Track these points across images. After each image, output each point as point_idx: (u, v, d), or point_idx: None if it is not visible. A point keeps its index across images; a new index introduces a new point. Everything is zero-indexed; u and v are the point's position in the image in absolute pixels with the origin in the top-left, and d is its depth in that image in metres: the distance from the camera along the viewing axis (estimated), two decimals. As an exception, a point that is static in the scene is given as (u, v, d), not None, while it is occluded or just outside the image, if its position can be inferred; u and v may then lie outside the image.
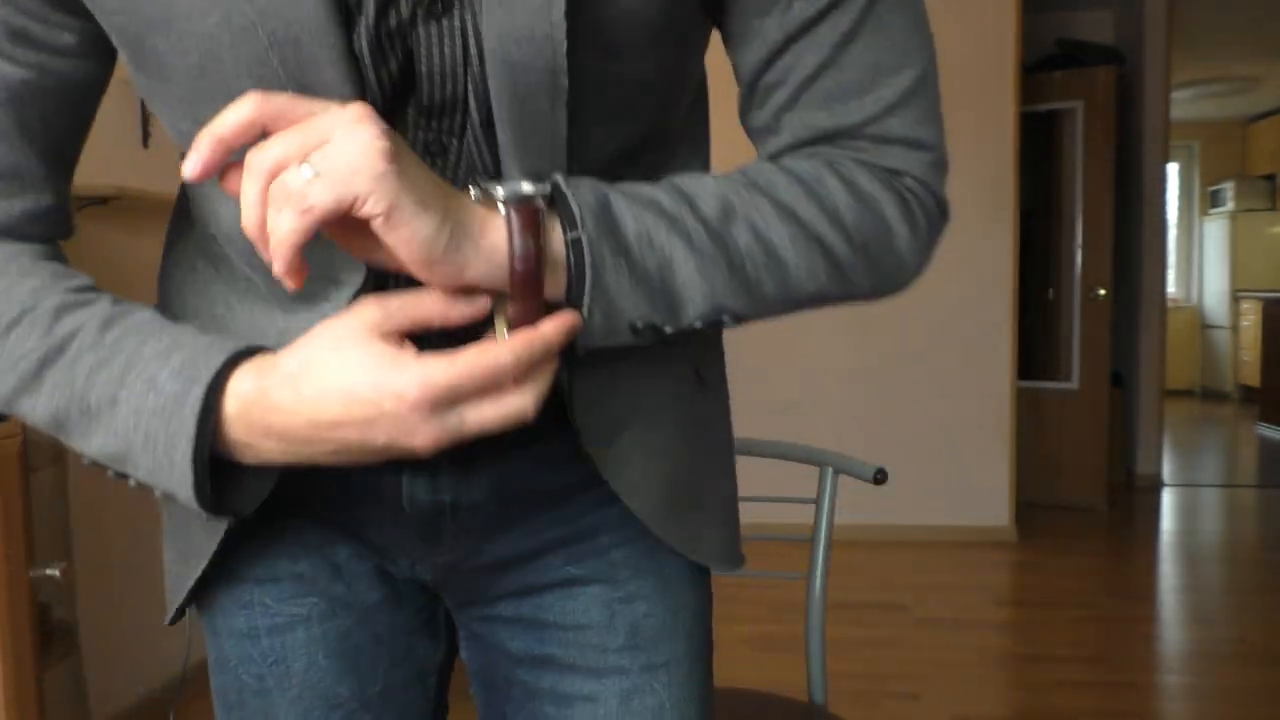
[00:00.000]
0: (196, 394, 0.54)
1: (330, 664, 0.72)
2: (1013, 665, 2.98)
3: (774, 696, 1.51)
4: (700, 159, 0.72)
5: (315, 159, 0.47)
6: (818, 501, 1.51)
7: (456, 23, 0.54)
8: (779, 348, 4.31)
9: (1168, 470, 5.74)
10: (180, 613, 0.73)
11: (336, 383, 0.52)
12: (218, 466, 0.56)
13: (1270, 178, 8.58)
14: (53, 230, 0.65)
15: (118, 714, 2.37)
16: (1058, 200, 4.84)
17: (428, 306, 0.53)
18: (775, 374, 4.31)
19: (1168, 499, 5.17)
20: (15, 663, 1.28)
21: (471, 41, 0.55)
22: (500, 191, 0.52)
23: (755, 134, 0.65)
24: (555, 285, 0.54)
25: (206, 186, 0.63)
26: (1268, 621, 3.31)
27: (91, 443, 0.57)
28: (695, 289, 0.57)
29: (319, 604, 0.72)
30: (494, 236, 0.52)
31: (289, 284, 0.49)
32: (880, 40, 0.60)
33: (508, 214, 0.52)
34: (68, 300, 0.59)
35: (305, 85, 0.53)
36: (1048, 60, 4.95)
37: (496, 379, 0.52)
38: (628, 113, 0.61)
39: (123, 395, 0.55)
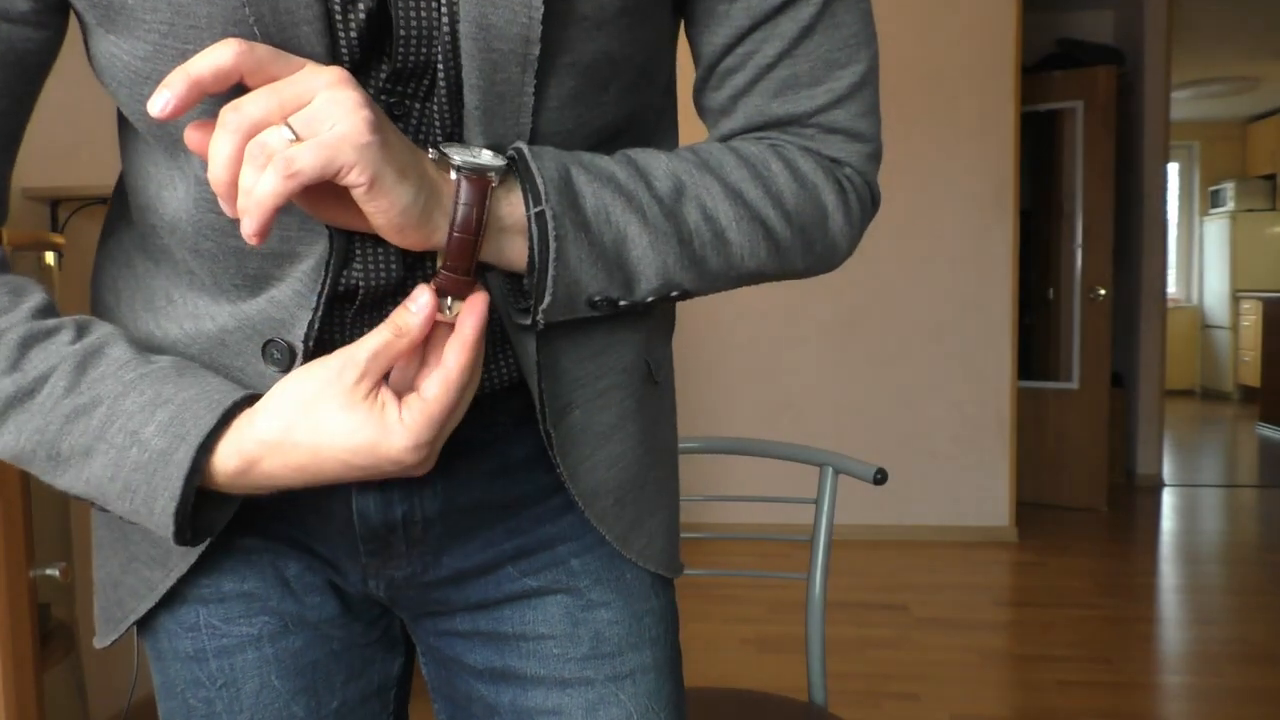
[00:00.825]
0: (185, 452, 0.53)
1: (284, 684, 0.69)
2: (1013, 665, 2.98)
3: (774, 696, 1.51)
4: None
5: (297, 121, 0.47)
6: (818, 501, 1.51)
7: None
8: (779, 348, 4.31)
9: (1168, 470, 5.74)
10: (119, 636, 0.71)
11: (331, 452, 0.53)
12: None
13: (1270, 178, 8.58)
14: None
15: (118, 714, 2.37)
16: (1058, 200, 4.84)
17: (394, 346, 0.54)
18: (775, 374, 4.31)
19: (1168, 499, 5.17)
20: (15, 663, 1.28)
21: (445, 5, 0.54)
22: (456, 158, 0.53)
23: (708, 114, 0.68)
24: (517, 253, 0.57)
25: (149, 171, 0.61)
26: (1268, 621, 3.31)
27: (57, 481, 0.56)
28: (648, 264, 0.60)
29: (270, 622, 0.68)
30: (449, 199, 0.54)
31: (253, 242, 0.48)
32: (834, 35, 0.63)
33: (458, 181, 0.53)
34: (33, 330, 0.55)
35: (279, 43, 0.51)
36: (1048, 60, 4.95)
37: (465, 398, 0.55)
38: (598, 94, 0.60)
39: (100, 447, 0.54)
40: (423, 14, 0.54)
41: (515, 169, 0.56)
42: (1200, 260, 9.27)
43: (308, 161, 0.47)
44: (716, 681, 2.74)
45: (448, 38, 0.55)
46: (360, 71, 0.55)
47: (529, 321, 0.58)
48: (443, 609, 0.71)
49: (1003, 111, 4.15)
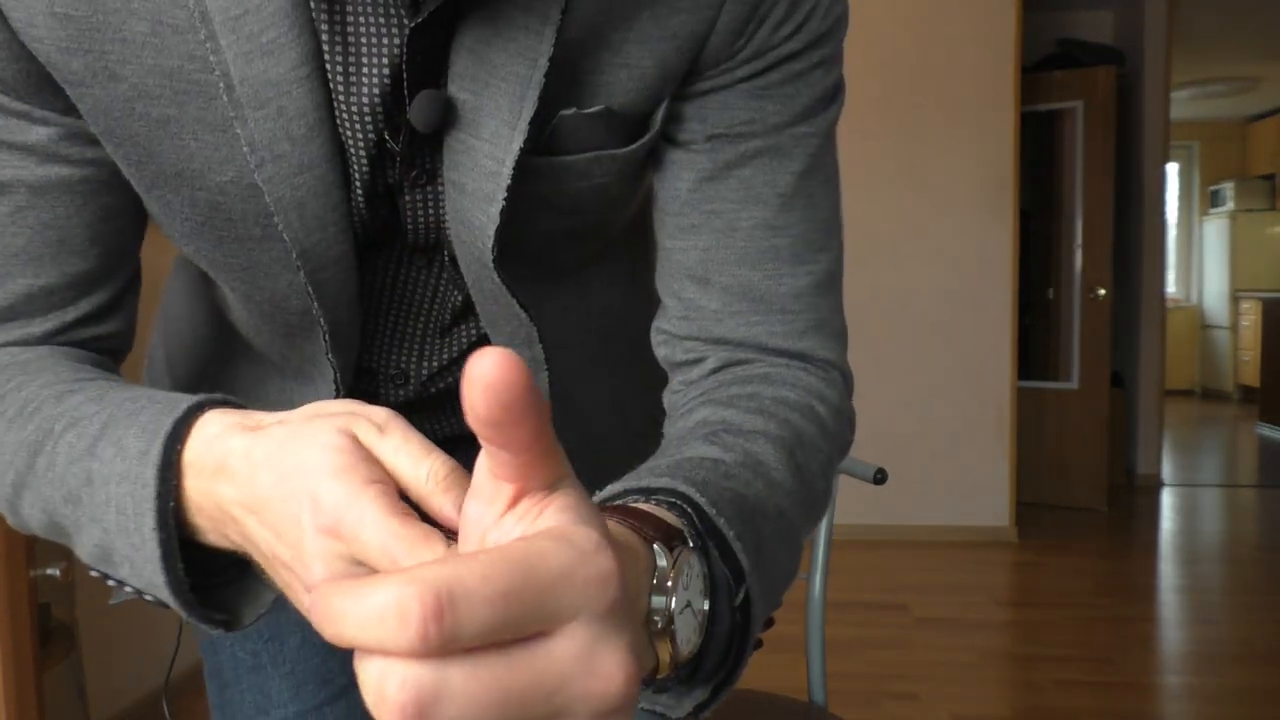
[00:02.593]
0: (156, 448, 0.45)
1: (323, 641, 0.73)
2: (1013, 665, 2.98)
3: (774, 696, 1.51)
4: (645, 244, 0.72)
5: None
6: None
7: (439, 188, 0.58)
8: (779, 348, 4.31)
9: (1168, 470, 5.74)
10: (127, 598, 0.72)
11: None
12: (210, 564, 0.48)
13: (1270, 178, 8.58)
14: (113, 343, 0.61)
15: (117, 714, 2.37)
16: (1058, 200, 4.84)
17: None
18: (775, 374, 4.31)
19: (1168, 499, 5.17)
20: (15, 663, 1.28)
21: (436, 207, 0.59)
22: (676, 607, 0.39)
23: (674, 279, 0.62)
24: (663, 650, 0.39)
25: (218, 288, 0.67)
26: (1268, 621, 3.31)
27: (84, 539, 0.49)
28: (773, 605, 0.49)
29: None
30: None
31: None
32: (812, 214, 0.60)
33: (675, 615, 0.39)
34: (70, 386, 0.53)
35: (307, 241, 0.55)
36: (1048, 60, 4.95)
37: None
38: (580, 247, 0.66)
39: (95, 468, 0.47)
40: (430, 211, 0.59)
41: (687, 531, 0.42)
42: (1200, 260, 9.27)
43: None
44: (716, 681, 2.74)
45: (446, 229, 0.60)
46: (374, 246, 0.61)
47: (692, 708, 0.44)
48: None
49: (1003, 111, 4.15)
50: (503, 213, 0.55)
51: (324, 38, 0.52)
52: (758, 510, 0.48)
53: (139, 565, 0.46)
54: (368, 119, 0.54)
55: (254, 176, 0.53)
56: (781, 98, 0.58)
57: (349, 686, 0.75)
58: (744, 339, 0.60)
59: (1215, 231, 9.03)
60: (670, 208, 0.60)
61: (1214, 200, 9.02)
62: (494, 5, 0.52)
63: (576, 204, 0.60)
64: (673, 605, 0.38)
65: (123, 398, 0.50)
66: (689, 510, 0.43)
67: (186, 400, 0.47)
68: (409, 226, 0.60)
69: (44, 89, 0.52)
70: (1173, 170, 8.93)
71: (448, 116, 0.54)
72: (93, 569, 0.51)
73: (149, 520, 0.44)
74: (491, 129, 0.53)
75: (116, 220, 0.58)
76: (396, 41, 0.52)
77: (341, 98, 0.54)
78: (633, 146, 0.58)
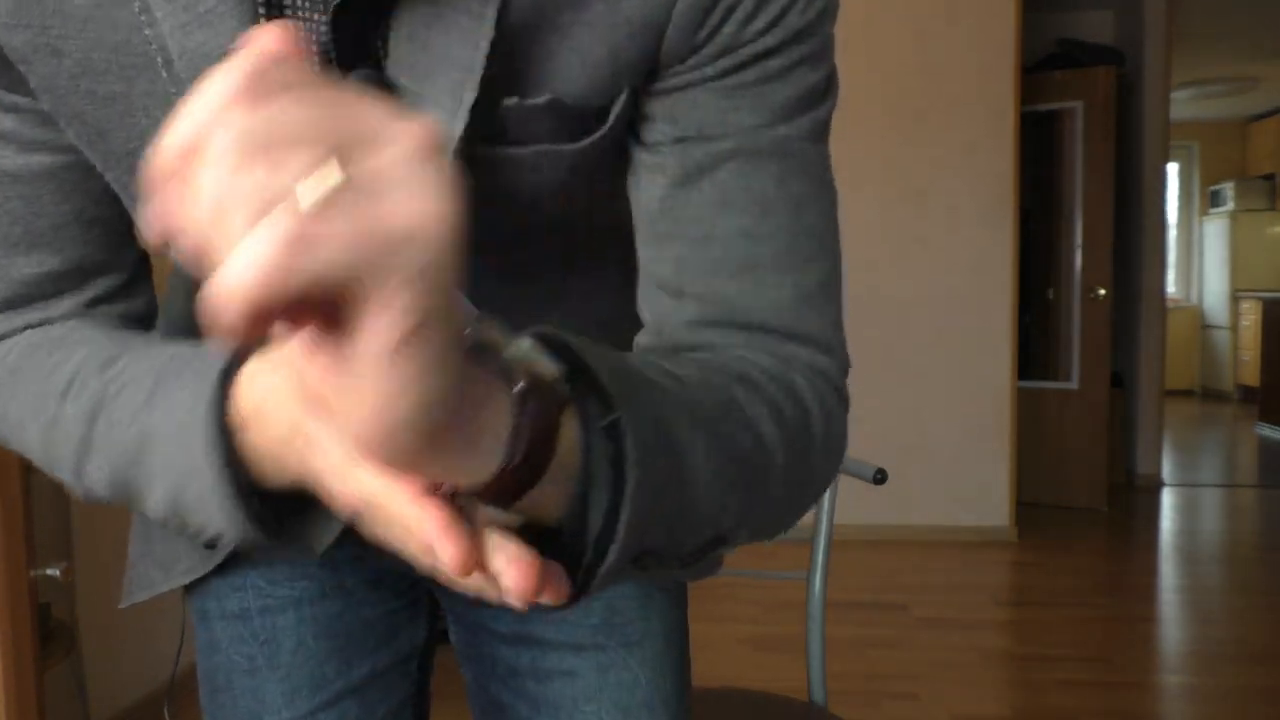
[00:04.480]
0: (209, 393, 0.46)
1: (319, 645, 0.74)
2: (1013, 665, 2.98)
3: (774, 696, 1.51)
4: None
5: (356, 165, 0.28)
6: (818, 501, 1.51)
7: None
8: (779, 348, 4.31)
9: (1168, 470, 5.74)
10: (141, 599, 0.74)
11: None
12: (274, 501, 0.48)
13: (1270, 178, 8.57)
14: (137, 316, 0.62)
15: (118, 714, 2.37)
16: (1058, 200, 4.84)
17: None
18: (775, 374, 4.31)
19: (1168, 499, 5.17)
20: (15, 663, 1.28)
21: None
22: (515, 353, 0.38)
23: (650, 296, 0.57)
24: (552, 496, 0.40)
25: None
26: (1268, 621, 3.31)
27: (153, 494, 0.50)
28: (707, 514, 0.46)
29: (310, 586, 0.74)
30: (490, 417, 0.36)
31: (225, 341, 0.28)
32: (798, 219, 0.55)
33: (521, 396, 0.37)
34: (113, 352, 0.54)
35: None
36: (1048, 60, 4.95)
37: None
38: (546, 243, 0.63)
39: (155, 422, 0.49)
40: None
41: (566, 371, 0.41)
42: (1200, 260, 9.27)
43: (345, 242, 0.27)
44: (716, 681, 2.75)
45: None
46: None
47: (563, 603, 0.40)
48: None
49: (1003, 112, 4.15)
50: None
51: (261, 9, 0.49)
52: (656, 386, 0.43)
53: (212, 509, 0.47)
54: None
55: None
56: (756, 96, 0.53)
57: (344, 693, 0.75)
58: (712, 344, 0.56)
59: (1215, 231, 9.03)
60: (643, 216, 0.56)
61: (1214, 200, 9.02)
62: None
63: (534, 199, 0.56)
64: (514, 353, 0.39)
65: (168, 354, 0.52)
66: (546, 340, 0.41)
67: (224, 354, 0.48)
68: None
69: (6, 72, 0.52)
70: (1173, 170, 8.93)
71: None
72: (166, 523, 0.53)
73: (216, 459, 0.45)
74: (430, 116, 0.50)
75: (111, 204, 0.58)
76: (326, 19, 0.50)
77: None
78: (583, 143, 0.54)
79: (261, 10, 0.49)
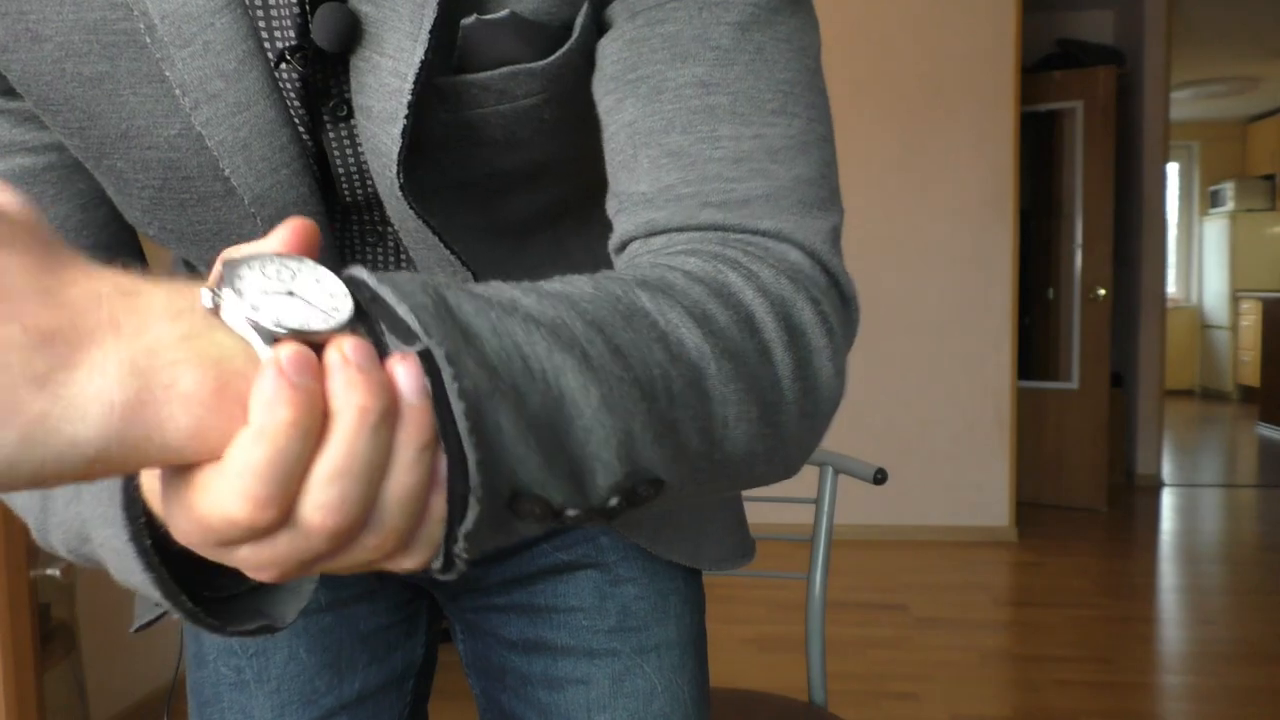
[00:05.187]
0: (118, 488, 0.42)
1: (310, 658, 0.72)
2: (1013, 665, 2.98)
3: (774, 696, 1.51)
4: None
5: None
6: (818, 501, 1.51)
7: (353, 129, 0.53)
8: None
9: (1168, 470, 5.74)
10: (147, 625, 0.72)
11: None
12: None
13: (1270, 178, 8.57)
14: None
15: (118, 714, 2.37)
16: (1058, 200, 4.84)
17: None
18: (775, 374, 4.31)
19: (1168, 499, 5.17)
20: (15, 663, 1.28)
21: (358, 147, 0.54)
22: (260, 317, 0.31)
23: (614, 189, 0.52)
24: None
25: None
26: (1268, 621, 3.30)
27: (112, 571, 0.47)
28: (602, 435, 0.36)
29: None
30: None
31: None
32: (764, 72, 0.50)
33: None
34: None
35: (259, 187, 0.52)
36: (1048, 60, 4.95)
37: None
38: (532, 191, 0.58)
39: (84, 512, 0.47)
40: (349, 155, 0.54)
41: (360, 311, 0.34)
42: (1200, 260, 9.27)
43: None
44: (716, 681, 2.74)
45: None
46: (330, 203, 0.56)
47: (439, 565, 0.35)
48: (480, 585, 0.74)
49: (1003, 112, 4.15)
50: (406, 133, 0.49)
51: None
52: (496, 298, 0.36)
53: (155, 593, 0.42)
54: (284, 44, 0.50)
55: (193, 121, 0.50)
56: None
57: (335, 709, 0.72)
58: (673, 218, 0.48)
59: (1215, 231, 9.03)
60: (601, 96, 0.52)
61: (1214, 200, 9.02)
62: None
63: (509, 133, 0.53)
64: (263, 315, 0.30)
65: None
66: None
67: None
68: (339, 171, 0.54)
69: None
70: (1173, 170, 8.93)
71: (354, 33, 0.49)
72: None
73: (135, 556, 0.40)
74: (395, 43, 0.49)
75: (100, 207, 0.57)
76: None
77: (263, 24, 0.50)
78: (551, 59, 0.51)
79: None
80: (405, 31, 0.48)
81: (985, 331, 4.24)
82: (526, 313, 0.36)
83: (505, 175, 0.56)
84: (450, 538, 0.34)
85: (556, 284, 0.41)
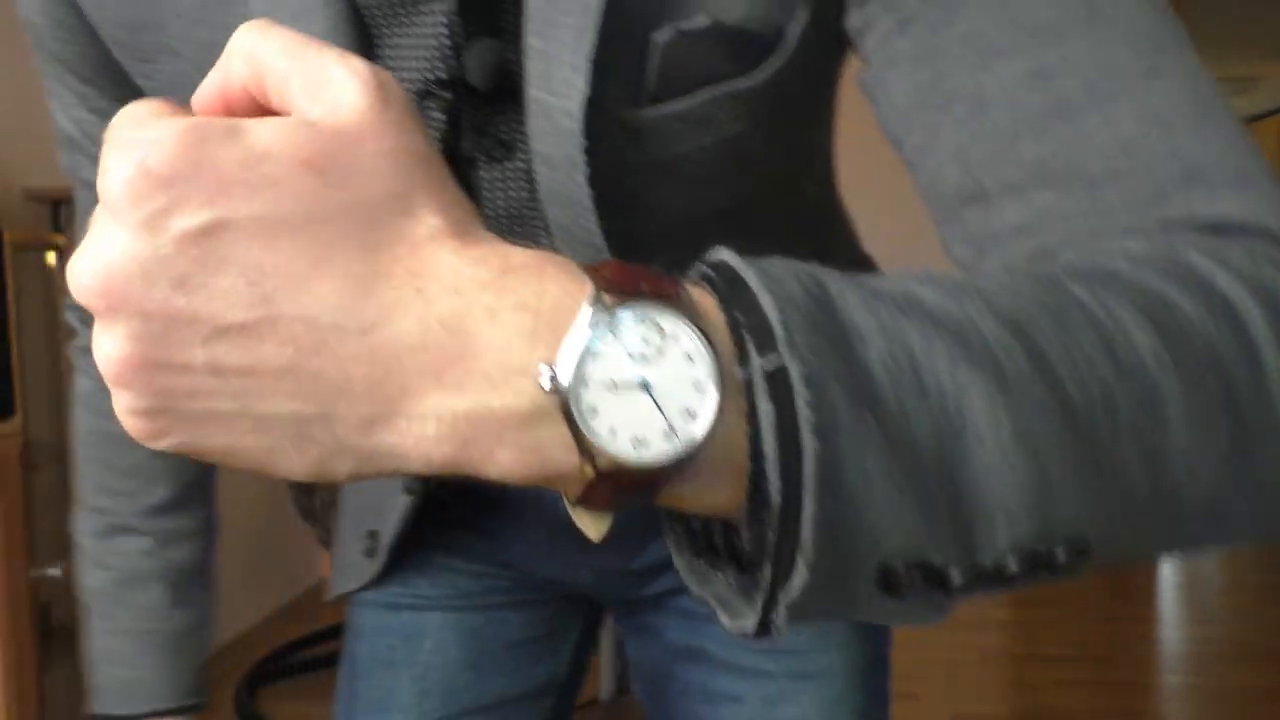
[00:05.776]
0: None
1: (457, 654, 0.73)
2: (1013, 665, 2.98)
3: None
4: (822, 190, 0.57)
5: None
6: None
7: (519, 163, 0.48)
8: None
9: (1168, 470, 5.73)
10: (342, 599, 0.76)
11: None
12: None
13: (1270, 178, 8.57)
14: None
15: (118, 714, 2.37)
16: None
17: None
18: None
19: (1168, 499, 5.17)
20: (15, 663, 1.28)
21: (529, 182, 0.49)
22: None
23: (943, 199, 0.42)
24: (721, 478, 0.28)
25: None
26: (1268, 621, 3.30)
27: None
28: (1009, 480, 0.28)
29: (460, 596, 0.73)
30: None
31: None
32: (1109, 32, 0.40)
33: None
34: (127, 524, 0.70)
35: None
36: (1048, 60, 4.95)
37: None
38: (731, 224, 0.50)
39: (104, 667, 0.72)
40: (510, 193, 0.50)
41: (716, 289, 0.29)
42: (1200, 260, 9.26)
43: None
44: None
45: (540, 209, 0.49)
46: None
47: (751, 624, 0.29)
48: (644, 594, 0.73)
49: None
50: (591, 181, 0.44)
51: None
52: (880, 288, 0.29)
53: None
54: (420, 75, 0.47)
55: None
56: None
57: (471, 709, 0.72)
58: (1066, 240, 0.37)
59: (1215, 231, 9.03)
60: (902, 136, 0.42)
61: (1214, 200, 9.01)
62: None
63: (712, 170, 0.47)
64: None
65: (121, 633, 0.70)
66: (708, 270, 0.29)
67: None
68: (488, 213, 0.50)
69: (125, 83, 0.53)
70: (1173, 170, 8.91)
71: (512, 71, 0.45)
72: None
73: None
74: (562, 78, 0.43)
75: None
76: None
77: (389, 52, 0.47)
78: (761, 75, 0.44)
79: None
80: (568, 63, 0.43)
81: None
82: (927, 311, 0.29)
83: (704, 214, 0.50)
84: (770, 600, 0.28)
85: (954, 274, 0.33)
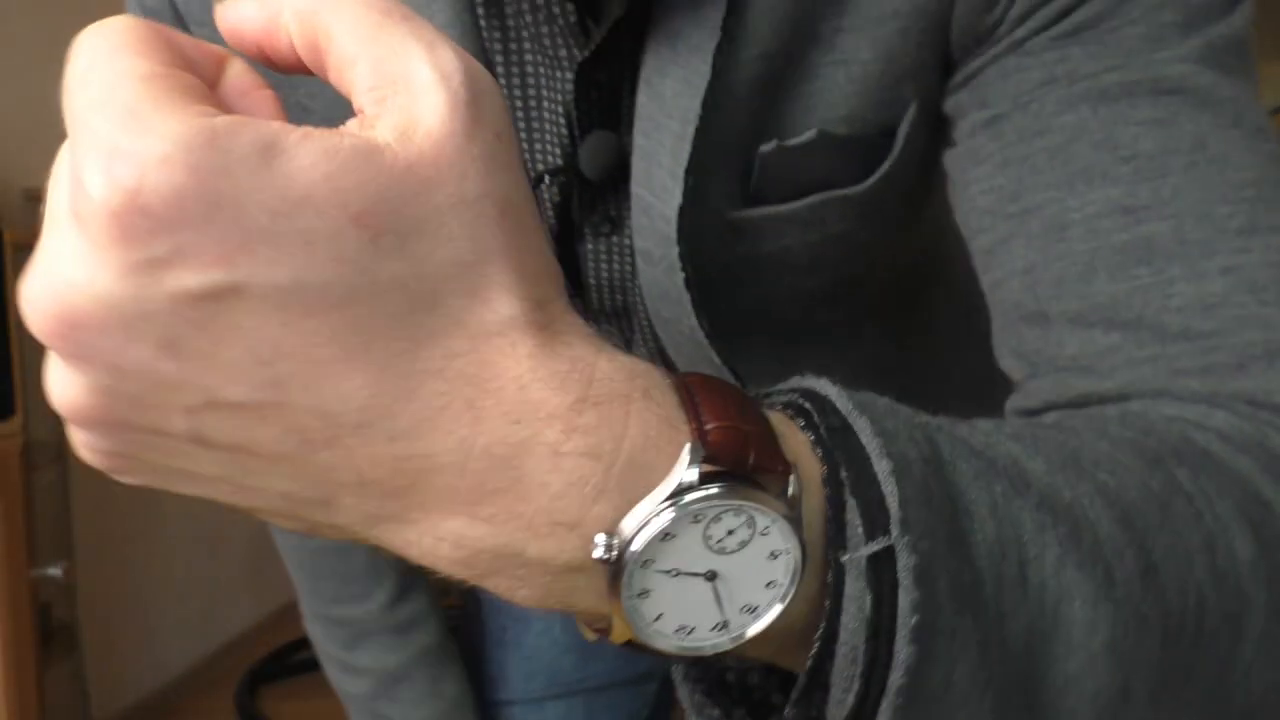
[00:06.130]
0: None
1: (562, 637, 0.73)
2: (1014, 664, 2.98)
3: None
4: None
5: None
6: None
7: (625, 240, 0.48)
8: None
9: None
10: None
11: None
12: None
13: (1271, 176, 8.59)
14: None
15: (119, 714, 2.38)
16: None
17: None
18: (776, 373, 4.31)
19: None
20: (15, 663, 1.28)
21: (630, 257, 0.49)
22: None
23: (1012, 340, 0.39)
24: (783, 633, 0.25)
25: None
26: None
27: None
28: (1089, 690, 0.26)
29: None
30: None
31: None
32: (1217, 172, 0.36)
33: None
34: (368, 628, 0.70)
35: None
36: (1048, 59, 4.95)
37: None
38: (835, 303, 0.50)
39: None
40: (614, 266, 0.49)
41: (820, 439, 0.25)
42: (1201, 259, 9.28)
43: None
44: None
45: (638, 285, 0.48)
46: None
47: None
48: None
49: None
50: (690, 284, 0.43)
51: (499, 71, 0.44)
52: (994, 477, 0.26)
53: None
54: (547, 165, 0.47)
55: None
56: (1104, 34, 0.36)
57: (576, 690, 0.74)
58: (1125, 389, 0.35)
59: (1216, 230, 9.04)
60: (973, 230, 0.40)
61: (1215, 199, 9.03)
62: (672, 23, 0.40)
63: (816, 258, 0.46)
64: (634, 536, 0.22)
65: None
66: (805, 405, 0.26)
67: None
68: (590, 281, 0.50)
69: None
70: (1173, 169, 8.92)
71: (621, 164, 0.44)
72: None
73: None
74: (660, 181, 0.42)
75: None
76: (568, 76, 0.43)
77: (525, 143, 0.46)
78: (870, 181, 0.43)
79: (499, 71, 0.44)
80: (666, 169, 0.42)
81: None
82: (1039, 492, 0.26)
83: (806, 294, 0.50)
84: None
85: (1053, 431, 0.30)
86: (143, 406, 0.21)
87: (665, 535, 0.22)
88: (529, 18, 0.42)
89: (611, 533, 0.22)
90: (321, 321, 0.20)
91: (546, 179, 0.46)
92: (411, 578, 0.71)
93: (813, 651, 0.24)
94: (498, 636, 0.75)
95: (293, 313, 0.20)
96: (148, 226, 0.19)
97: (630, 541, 0.22)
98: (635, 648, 0.24)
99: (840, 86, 0.41)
